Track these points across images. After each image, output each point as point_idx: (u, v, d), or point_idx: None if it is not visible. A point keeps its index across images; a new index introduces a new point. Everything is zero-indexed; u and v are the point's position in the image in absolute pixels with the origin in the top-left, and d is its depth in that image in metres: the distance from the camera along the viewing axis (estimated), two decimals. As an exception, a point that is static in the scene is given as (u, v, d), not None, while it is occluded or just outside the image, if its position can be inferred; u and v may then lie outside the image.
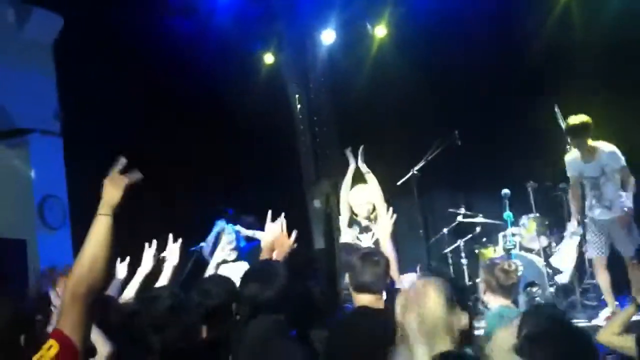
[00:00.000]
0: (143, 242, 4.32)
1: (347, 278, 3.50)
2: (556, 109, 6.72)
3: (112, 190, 2.37)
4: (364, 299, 3.39)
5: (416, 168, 7.40)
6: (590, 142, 6.02)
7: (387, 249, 3.84)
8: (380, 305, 3.39)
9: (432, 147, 7.45)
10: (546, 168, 7.22)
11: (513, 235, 7.05)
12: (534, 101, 7.49)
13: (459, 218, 7.62)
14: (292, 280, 3.32)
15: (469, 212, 7.65)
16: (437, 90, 8.32)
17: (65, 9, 7.62)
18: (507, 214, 6.93)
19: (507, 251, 6.89)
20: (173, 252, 4.26)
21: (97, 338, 2.92)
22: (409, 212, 7.66)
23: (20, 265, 6.64)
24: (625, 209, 5.90)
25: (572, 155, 6.26)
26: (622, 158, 5.99)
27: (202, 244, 5.32)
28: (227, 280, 3.39)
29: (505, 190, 6.97)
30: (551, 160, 6.93)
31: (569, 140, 6.34)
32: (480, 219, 7.58)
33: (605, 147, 6.01)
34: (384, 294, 3.45)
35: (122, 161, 2.48)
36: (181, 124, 8.29)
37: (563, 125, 6.51)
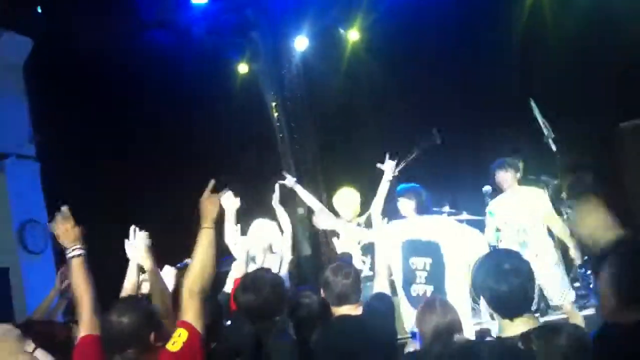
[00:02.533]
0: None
1: (322, 292, 3.56)
2: (532, 103, 6.75)
3: (211, 207, 2.95)
4: (341, 310, 3.47)
5: (397, 170, 7.39)
6: None
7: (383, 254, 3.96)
8: (359, 312, 3.48)
9: (412, 147, 7.45)
10: (529, 162, 7.25)
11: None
12: (510, 96, 7.55)
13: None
14: (283, 286, 3.49)
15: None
16: (413, 92, 8.34)
17: (34, 30, 7.54)
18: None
19: (493, 247, 6.90)
20: (168, 275, 4.20)
21: None
22: (392, 212, 7.65)
23: (3, 293, 6.53)
24: None
25: None
26: None
27: (188, 260, 5.24)
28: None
29: (486, 187, 6.97)
30: (532, 154, 6.96)
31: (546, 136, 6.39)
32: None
33: None
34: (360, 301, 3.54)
35: (212, 182, 3.01)
36: (158, 138, 8.22)
37: (540, 119, 6.55)
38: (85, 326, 2.96)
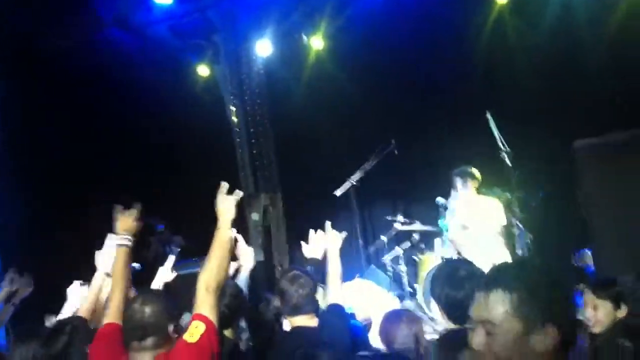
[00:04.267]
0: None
1: (277, 302, 3.56)
2: (488, 116, 6.84)
3: (227, 209, 3.08)
4: (297, 321, 3.46)
5: (355, 178, 7.42)
6: None
7: (336, 262, 3.91)
8: (314, 323, 3.46)
9: (370, 157, 7.48)
10: (482, 174, 7.34)
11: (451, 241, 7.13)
12: (468, 108, 7.64)
13: (397, 226, 7.67)
14: (239, 297, 3.56)
15: (406, 220, 7.70)
16: (374, 101, 8.39)
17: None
18: (442, 222, 7.00)
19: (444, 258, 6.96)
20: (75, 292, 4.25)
21: None
22: (348, 221, 7.69)
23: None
24: None
25: None
26: None
27: (135, 264, 5.13)
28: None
29: (439, 199, 7.04)
30: (485, 166, 7.06)
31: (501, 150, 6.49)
32: (417, 226, 7.64)
33: None
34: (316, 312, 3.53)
35: (225, 185, 3.13)
36: (116, 139, 8.09)
37: (496, 133, 6.65)
38: (112, 314, 3.13)
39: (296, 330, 3.45)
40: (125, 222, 3.41)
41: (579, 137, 6.40)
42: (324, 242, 4.06)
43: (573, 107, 7.45)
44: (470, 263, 2.84)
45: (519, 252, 6.63)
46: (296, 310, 3.44)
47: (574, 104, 7.45)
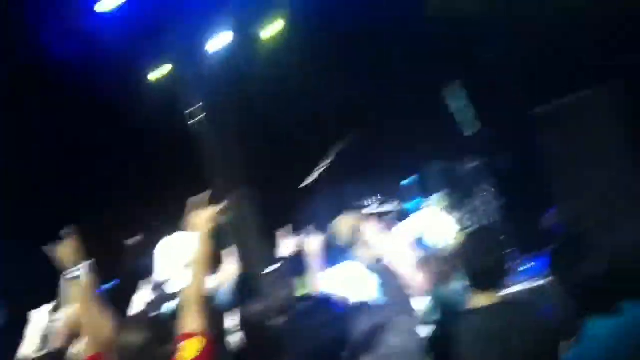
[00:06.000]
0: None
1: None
2: (455, 85, 6.85)
3: (201, 218, 3.04)
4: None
5: (323, 166, 7.38)
6: None
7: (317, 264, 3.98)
8: None
9: (336, 145, 7.46)
10: (449, 144, 7.38)
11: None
12: (432, 79, 7.63)
13: (368, 210, 7.64)
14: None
15: (377, 203, 7.67)
16: (336, 86, 8.33)
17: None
18: (411, 204, 7.02)
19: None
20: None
21: None
22: (319, 211, 7.65)
23: None
24: None
25: None
26: None
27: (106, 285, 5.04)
28: None
29: (404, 181, 7.06)
30: (454, 141, 7.10)
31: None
32: (388, 207, 7.62)
33: None
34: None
35: (208, 193, 3.12)
36: (76, 147, 7.91)
37: (464, 101, 6.67)
38: (92, 345, 3.03)
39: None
40: (64, 253, 3.14)
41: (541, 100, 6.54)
42: (292, 242, 4.06)
43: (533, 70, 7.51)
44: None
45: (490, 218, 6.69)
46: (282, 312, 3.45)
47: (534, 67, 7.50)
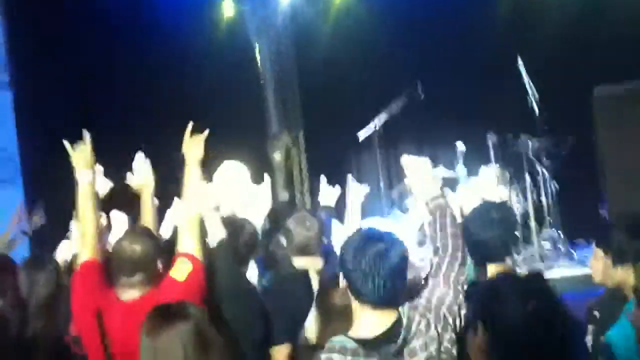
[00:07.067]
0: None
1: (283, 241, 3.56)
2: (520, 60, 6.70)
3: (194, 149, 3.07)
4: (300, 262, 3.46)
5: (379, 122, 7.32)
6: None
7: (356, 214, 3.93)
8: (318, 265, 3.47)
9: (395, 101, 7.37)
10: (507, 119, 7.25)
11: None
12: (496, 54, 7.51)
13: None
14: (255, 235, 3.47)
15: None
16: (402, 44, 8.26)
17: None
18: (461, 168, 6.96)
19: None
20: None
21: None
22: (371, 164, 7.65)
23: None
24: None
25: None
26: None
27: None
28: None
29: (459, 143, 6.98)
30: (512, 112, 6.96)
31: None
32: (441, 171, 7.56)
33: None
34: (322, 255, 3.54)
35: (190, 125, 3.11)
36: (139, 76, 8.02)
37: (525, 78, 6.52)
38: (87, 250, 3.00)
39: (301, 271, 3.46)
40: (81, 156, 3.14)
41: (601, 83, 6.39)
42: (337, 192, 4.07)
43: (597, 54, 7.36)
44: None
45: (544, 199, 6.59)
46: (300, 251, 3.46)
47: (598, 50, 7.37)
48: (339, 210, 4.29)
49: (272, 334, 3.15)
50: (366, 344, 2.12)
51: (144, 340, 2.13)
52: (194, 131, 3.14)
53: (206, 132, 3.12)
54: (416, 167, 2.58)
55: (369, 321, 2.18)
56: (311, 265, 3.45)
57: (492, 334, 1.91)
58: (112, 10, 7.71)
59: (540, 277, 2.09)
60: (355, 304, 2.22)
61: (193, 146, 3.09)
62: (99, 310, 2.87)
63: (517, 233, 2.87)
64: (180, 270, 2.80)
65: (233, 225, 3.27)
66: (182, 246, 2.90)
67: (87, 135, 3.17)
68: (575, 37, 7.61)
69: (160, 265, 2.92)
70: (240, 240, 3.26)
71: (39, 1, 7.43)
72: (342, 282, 2.26)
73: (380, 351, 2.11)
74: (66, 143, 3.17)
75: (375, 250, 2.15)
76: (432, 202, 2.53)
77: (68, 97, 7.67)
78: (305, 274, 3.41)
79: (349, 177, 4.15)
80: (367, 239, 2.21)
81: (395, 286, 2.16)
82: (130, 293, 2.86)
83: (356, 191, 4.10)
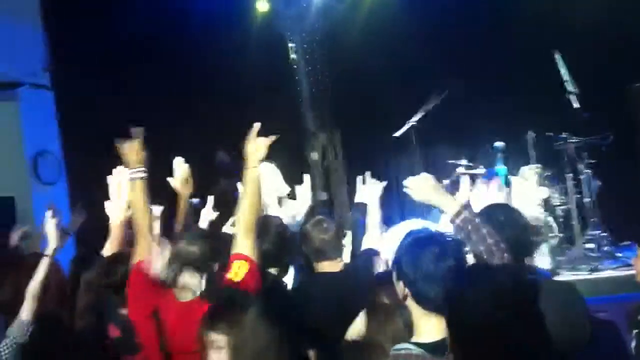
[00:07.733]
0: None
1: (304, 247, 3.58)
2: (556, 56, 6.56)
3: (257, 148, 3.01)
4: (321, 266, 3.50)
5: (416, 119, 7.26)
6: None
7: (374, 210, 3.94)
8: (338, 268, 3.50)
9: (431, 98, 7.30)
10: (547, 118, 7.12)
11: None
12: (533, 49, 7.39)
13: (459, 170, 7.50)
14: (285, 234, 3.57)
15: (470, 164, 7.52)
16: (436, 40, 8.18)
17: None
18: (500, 169, 6.83)
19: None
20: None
21: None
22: (408, 163, 7.59)
23: (7, 222, 6.54)
24: None
25: None
26: None
27: (194, 200, 5.15)
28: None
29: (497, 143, 6.85)
30: (552, 110, 6.83)
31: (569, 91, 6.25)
32: (481, 170, 7.46)
33: None
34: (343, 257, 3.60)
35: (257, 125, 3.06)
36: (173, 75, 8.09)
37: (564, 73, 6.39)
38: (142, 248, 3.03)
39: (319, 275, 3.50)
40: (133, 153, 3.15)
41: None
42: (377, 189, 4.07)
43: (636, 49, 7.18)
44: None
45: (587, 199, 6.43)
46: (319, 255, 3.48)
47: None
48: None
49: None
50: (431, 349, 2.11)
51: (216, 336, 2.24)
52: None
53: (273, 137, 3.07)
54: (418, 186, 2.61)
55: (432, 326, 2.16)
56: (330, 268, 3.48)
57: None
58: (148, 10, 7.79)
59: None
60: (415, 310, 2.20)
61: (258, 147, 3.04)
62: (155, 310, 2.91)
63: (530, 236, 2.78)
64: (237, 271, 2.84)
65: (259, 224, 3.26)
66: (238, 247, 2.92)
67: (137, 131, 3.19)
68: (614, 32, 7.43)
69: (216, 267, 2.96)
70: (267, 239, 3.31)
71: (80, 1, 7.55)
72: (401, 288, 2.23)
73: (446, 355, 2.08)
74: (117, 141, 3.18)
75: (433, 255, 2.14)
76: (457, 218, 2.49)
77: (110, 97, 7.78)
78: (325, 278, 3.46)
79: (367, 174, 4.13)
80: (423, 244, 2.20)
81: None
82: (185, 294, 2.90)
83: (373, 187, 4.07)
